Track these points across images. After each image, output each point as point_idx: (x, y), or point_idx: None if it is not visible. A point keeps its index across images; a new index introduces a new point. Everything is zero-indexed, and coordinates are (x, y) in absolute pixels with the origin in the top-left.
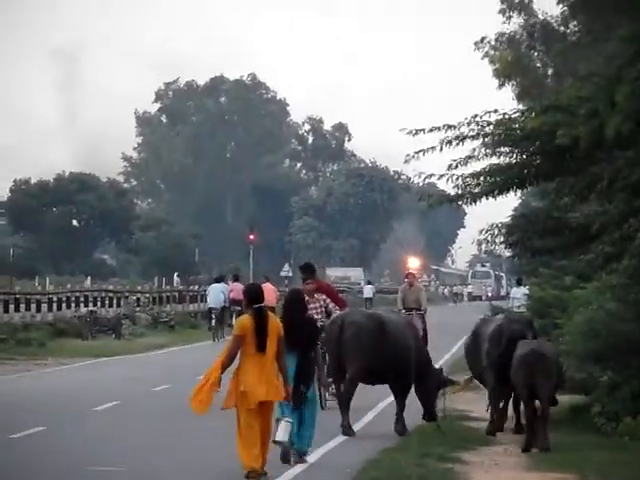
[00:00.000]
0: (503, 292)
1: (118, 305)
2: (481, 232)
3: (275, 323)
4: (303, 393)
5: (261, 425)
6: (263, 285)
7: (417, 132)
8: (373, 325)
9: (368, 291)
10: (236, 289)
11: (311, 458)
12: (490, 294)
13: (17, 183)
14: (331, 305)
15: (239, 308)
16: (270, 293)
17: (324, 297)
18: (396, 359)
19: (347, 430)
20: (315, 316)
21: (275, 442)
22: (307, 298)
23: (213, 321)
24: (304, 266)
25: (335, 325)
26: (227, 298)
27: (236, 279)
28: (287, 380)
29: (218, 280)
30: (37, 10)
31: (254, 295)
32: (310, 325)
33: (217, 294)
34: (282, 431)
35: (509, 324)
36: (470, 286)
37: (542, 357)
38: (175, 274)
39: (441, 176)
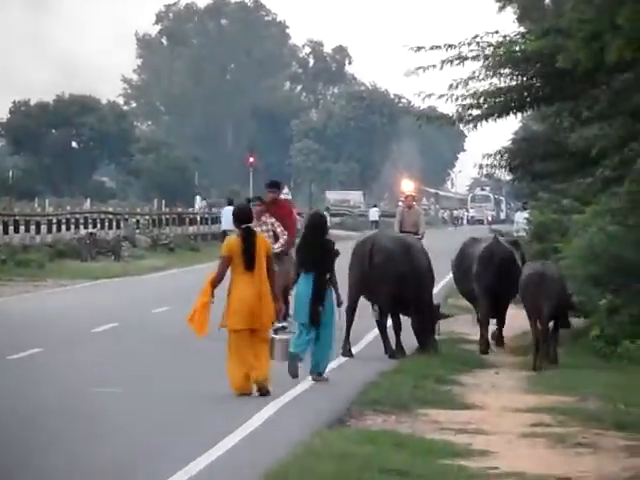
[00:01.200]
0: (503, 216)
1: (118, 227)
2: (484, 157)
3: (263, 242)
4: (319, 313)
5: (254, 345)
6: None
7: (419, 49)
8: (402, 252)
9: (374, 214)
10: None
11: (308, 381)
12: (490, 218)
13: (17, 104)
14: (279, 230)
15: None
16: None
17: (272, 220)
18: (420, 287)
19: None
20: None
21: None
22: (254, 221)
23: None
24: (270, 182)
25: (364, 249)
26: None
27: (249, 201)
28: (278, 297)
29: (230, 203)
30: None
31: (243, 216)
32: (328, 247)
33: (229, 216)
34: (279, 351)
35: (498, 245)
36: (471, 210)
37: (546, 278)
38: (197, 196)
39: (441, 96)
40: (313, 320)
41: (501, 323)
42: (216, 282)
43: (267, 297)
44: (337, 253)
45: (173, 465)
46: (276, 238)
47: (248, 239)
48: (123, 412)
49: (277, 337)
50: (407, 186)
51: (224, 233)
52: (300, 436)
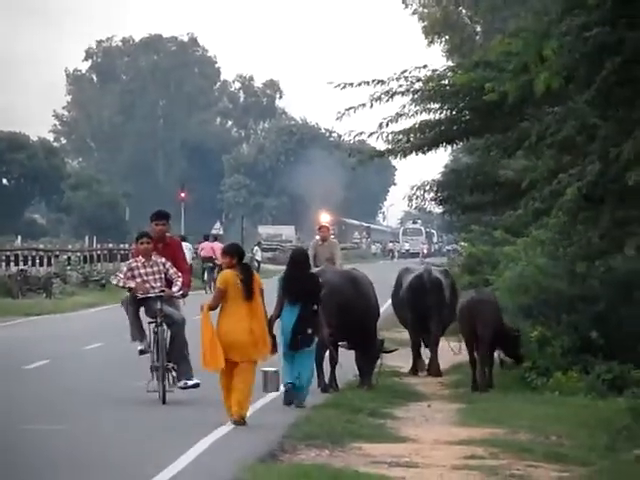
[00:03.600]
0: (433, 249)
1: (49, 264)
2: (412, 188)
3: (257, 279)
4: (301, 340)
5: (237, 375)
6: (213, 244)
7: (345, 86)
8: (346, 284)
9: None
10: (206, 247)
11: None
12: (426, 251)
13: None
14: (172, 271)
15: (210, 264)
16: (220, 250)
17: (163, 260)
18: (365, 321)
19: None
20: (152, 284)
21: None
22: (142, 260)
23: None
24: (156, 213)
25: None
26: (196, 255)
27: (205, 239)
28: (271, 330)
29: (183, 239)
30: None
31: (240, 253)
32: (312, 280)
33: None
34: (271, 383)
35: (428, 274)
36: (405, 243)
37: (480, 304)
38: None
39: (371, 134)
40: (292, 345)
41: (433, 351)
42: (212, 310)
43: (259, 331)
44: (321, 287)
45: None
46: (167, 281)
47: (248, 273)
48: (51, 450)
49: (268, 370)
50: (324, 217)
51: None
52: (231, 471)
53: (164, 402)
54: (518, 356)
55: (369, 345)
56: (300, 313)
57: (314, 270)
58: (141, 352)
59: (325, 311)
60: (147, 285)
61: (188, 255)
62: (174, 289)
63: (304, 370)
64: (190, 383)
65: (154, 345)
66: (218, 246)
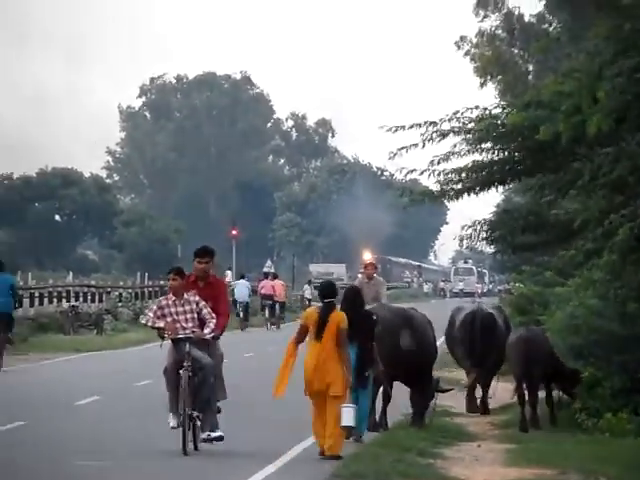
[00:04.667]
0: (486, 289)
1: (100, 300)
2: (463, 228)
3: (337, 315)
4: (365, 378)
5: (325, 412)
6: (274, 282)
7: (397, 129)
8: (403, 323)
9: None
10: (266, 285)
11: (294, 451)
12: (480, 291)
13: (0, 177)
14: (205, 311)
15: (270, 302)
16: (280, 288)
17: (197, 299)
18: (423, 360)
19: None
20: (183, 324)
21: (343, 427)
22: (173, 298)
23: (240, 313)
24: (199, 250)
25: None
26: (255, 293)
27: (266, 276)
28: (349, 370)
29: (242, 277)
30: None
31: (327, 291)
32: (368, 318)
33: (243, 289)
34: (345, 416)
35: (481, 311)
36: (460, 283)
37: (531, 341)
38: (228, 271)
39: (423, 172)
40: (361, 384)
41: (485, 387)
42: (296, 343)
43: (332, 365)
44: (376, 324)
45: None
46: (201, 322)
47: (325, 312)
48: None
49: (344, 405)
50: (366, 256)
51: (235, 302)
52: None
53: (185, 452)
54: (575, 394)
55: (424, 384)
56: (358, 352)
57: (369, 307)
58: (173, 428)
59: (379, 348)
60: (178, 325)
61: (245, 292)
62: (205, 331)
63: (360, 408)
64: (214, 435)
65: (181, 391)
66: (278, 284)
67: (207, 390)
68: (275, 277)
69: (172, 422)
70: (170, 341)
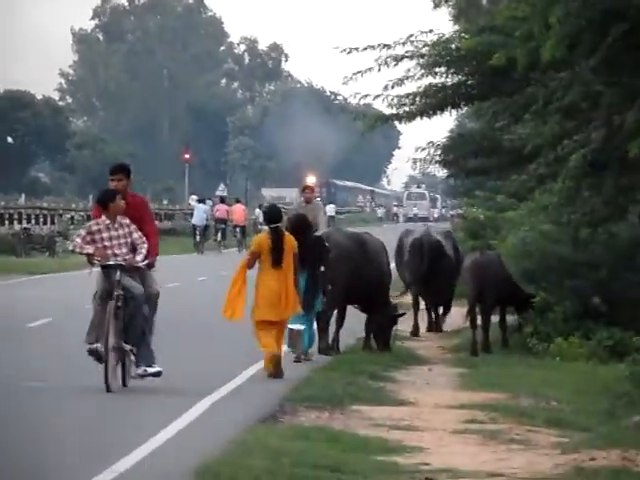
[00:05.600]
0: (438, 214)
1: (52, 223)
2: (417, 150)
3: (290, 241)
4: (313, 302)
5: (273, 332)
6: (235, 206)
7: (351, 50)
8: (356, 247)
9: (330, 210)
10: (220, 209)
11: (243, 376)
12: (437, 215)
13: None
14: (136, 235)
15: (223, 226)
16: (240, 213)
17: (128, 222)
18: (376, 284)
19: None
20: (115, 250)
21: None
22: (106, 222)
23: (198, 237)
24: (114, 167)
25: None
26: (210, 217)
27: (222, 201)
28: (300, 292)
29: (201, 201)
30: None
31: (273, 216)
32: (318, 244)
33: (201, 213)
34: (295, 341)
35: (428, 236)
36: (414, 208)
37: (485, 266)
38: (193, 195)
39: (377, 96)
40: (304, 306)
41: (436, 309)
42: (247, 268)
43: (291, 292)
44: (328, 249)
45: (98, 465)
46: (133, 247)
47: (277, 238)
48: (51, 408)
49: (294, 327)
50: (309, 179)
51: (194, 228)
52: (232, 432)
53: (108, 389)
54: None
55: (381, 309)
56: (308, 277)
57: (324, 232)
58: (91, 352)
59: (335, 273)
60: (109, 252)
61: (203, 217)
62: (137, 258)
63: (308, 330)
64: (151, 370)
65: (105, 323)
66: (239, 208)
67: (140, 321)
68: (238, 201)
69: (93, 344)
70: (100, 268)
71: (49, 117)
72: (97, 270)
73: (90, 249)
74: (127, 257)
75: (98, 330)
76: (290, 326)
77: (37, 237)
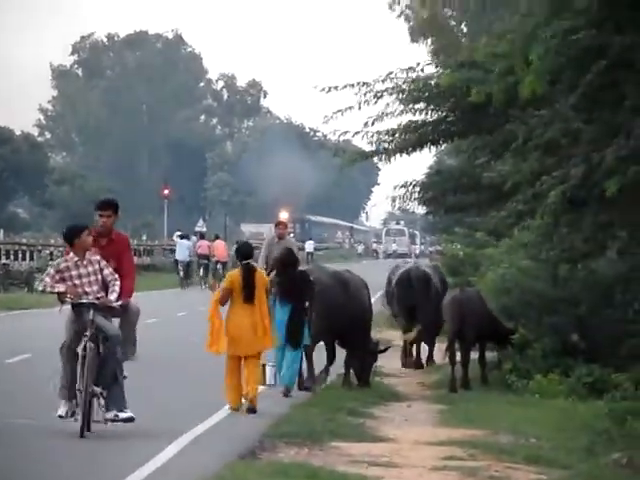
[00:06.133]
0: (417, 250)
1: (31, 258)
2: (395, 188)
3: (261, 277)
4: (297, 337)
5: (245, 368)
6: (216, 242)
7: (330, 89)
8: (338, 285)
9: (309, 246)
10: (203, 245)
11: (223, 412)
12: (418, 251)
13: None
14: (107, 272)
15: (206, 262)
16: (221, 249)
17: (98, 258)
18: (357, 322)
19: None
20: (86, 288)
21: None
22: (75, 259)
23: (181, 272)
24: (101, 202)
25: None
26: (193, 253)
27: (202, 237)
28: (276, 327)
29: (183, 237)
30: None
31: (245, 252)
32: (302, 280)
33: (184, 250)
34: (269, 375)
35: (416, 269)
36: (394, 244)
37: (465, 303)
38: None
39: (356, 133)
40: (292, 342)
41: (419, 345)
42: (220, 304)
43: (264, 327)
44: (313, 284)
45: None
46: (105, 285)
47: (249, 275)
48: (31, 445)
49: (269, 364)
50: (282, 215)
51: (176, 263)
52: (212, 468)
53: (82, 435)
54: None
55: (361, 345)
56: (291, 311)
57: (306, 269)
58: (61, 417)
59: (317, 310)
60: (80, 290)
61: (186, 253)
62: (111, 297)
63: (290, 365)
64: (122, 415)
65: (80, 364)
66: (220, 244)
67: (113, 363)
68: (217, 237)
69: (61, 410)
70: (70, 306)
71: (28, 153)
72: (67, 308)
73: (61, 287)
74: (99, 295)
75: (70, 388)
76: (264, 363)
77: (16, 273)
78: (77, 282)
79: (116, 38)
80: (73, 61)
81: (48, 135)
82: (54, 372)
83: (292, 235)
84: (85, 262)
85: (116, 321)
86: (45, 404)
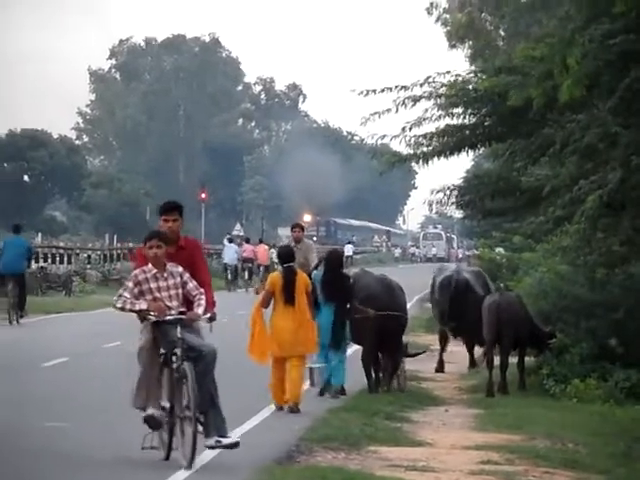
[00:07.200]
0: (460, 254)
1: (69, 262)
2: (432, 192)
3: (303, 279)
4: (340, 337)
5: (291, 370)
6: (258, 246)
7: (368, 93)
8: (385, 290)
9: (348, 250)
10: (248, 249)
11: (261, 415)
12: (461, 255)
13: None
14: (191, 285)
15: (250, 265)
16: (264, 252)
17: (180, 270)
18: (400, 326)
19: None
20: (167, 302)
21: (312, 385)
22: (153, 270)
23: (229, 275)
24: (165, 205)
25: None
26: (240, 257)
27: (247, 241)
28: (320, 329)
29: (231, 240)
30: None
31: (286, 256)
32: (345, 280)
33: (232, 253)
34: (316, 377)
35: (457, 274)
36: (434, 248)
37: (503, 307)
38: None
39: (394, 137)
40: (337, 344)
41: (472, 347)
42: (263, 307)
43: (305, 329)
44: (352, 286)
45: None
46: (186, 300)
47: (288, 277)
48: (68, 448)
49: (315, 366)
50: (306, 217)
51: (225, 267)
52: (248, 473)
53: (167, 458)
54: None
55: (397, 350)
56: (335, 312)
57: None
58: (146, 420)
59: (362, 315)
60: (162, 304)
61: (234, 256)
62: (198, 310)
63: (336, 366)
64: (226, 441)
65: (169, 387)
66: (262, 248)
67: (210, 384)
68: (261, 241)
69: (150, 410)
70: (149, 322)
71: (66, 156)
72: (141, 328)
73: (143, 304)
74: (181, 310)
75: (148, 392)
76: (311, 365)
77: (53, 276)
78: (157, 295)
79: (154, 42)
80: (111, 65)
81: (86, 139)
82: (93, 374)
83: (314, 238)
84: (165, 274)
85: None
86: (80, 408)
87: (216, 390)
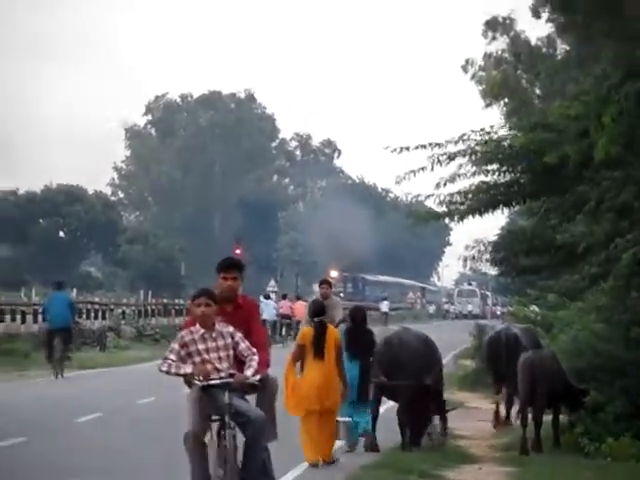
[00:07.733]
0: (499, 311)
1: (103, 317)
2: (467, 248)
3: (333, 333)
4: (367, 392)
5: (323, 426)
6: (297, 302)
7: (402, 150)
8: (424, 346)
9: (384, 306)
10: (285, 306)
11: (292, 474)
12: (499, 312)
13: (4, 193)
14: (244, 346)
15: (288, 321)
16: (301, 309)
17: (231, 330)
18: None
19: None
20: (216, 364)
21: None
22: (200, 331)
23: (269, 330)
24: (225, 261)
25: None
26: (277, 313)
27: (284, 297)
28: (345, 383)
29: (267, 297)
30: (21, 12)
31: (316, 310)
32: (369, 335)
33: (270, 309)
34: (342, 431)
35: (506, 330)
36: (469, 305)
37: (537, 365)
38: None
39: (428, 196)
40: (364, 397)
41: (508, 403)
42: (294, 361)
43: (334, 383)
44: (374, 341)
45: None
46: (237, 359)
47: (319, 331)
48: None
49: (342, 420)
50: (333, 273)
51: (264, 322)
52: None
53: None
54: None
55: (432, 405)
56: (361, 367)
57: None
58: None
59: (403, 373)
60: (209, 366)
61: (273, 312)
62: (248, 372)
63: (360, 420)
64: None
65: (217, 456)
66: (300, 305)
67: (261, 453)
68: (298, 298)
69: None
70: (196, 387)
71: (101, 212)
72: (188, 393)
73: (188, 368)
74: (231, 372)
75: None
76: (339, 419)
77: (88, 332)
78: (206, 357)
79: (189, 98)
80: (147, 121)
81: (121, 194)
82: (127, 429)
83: (342, 294)
84: (214, 334)
85: (251, 399)
86: (112, 462)
87: (269, 458)
